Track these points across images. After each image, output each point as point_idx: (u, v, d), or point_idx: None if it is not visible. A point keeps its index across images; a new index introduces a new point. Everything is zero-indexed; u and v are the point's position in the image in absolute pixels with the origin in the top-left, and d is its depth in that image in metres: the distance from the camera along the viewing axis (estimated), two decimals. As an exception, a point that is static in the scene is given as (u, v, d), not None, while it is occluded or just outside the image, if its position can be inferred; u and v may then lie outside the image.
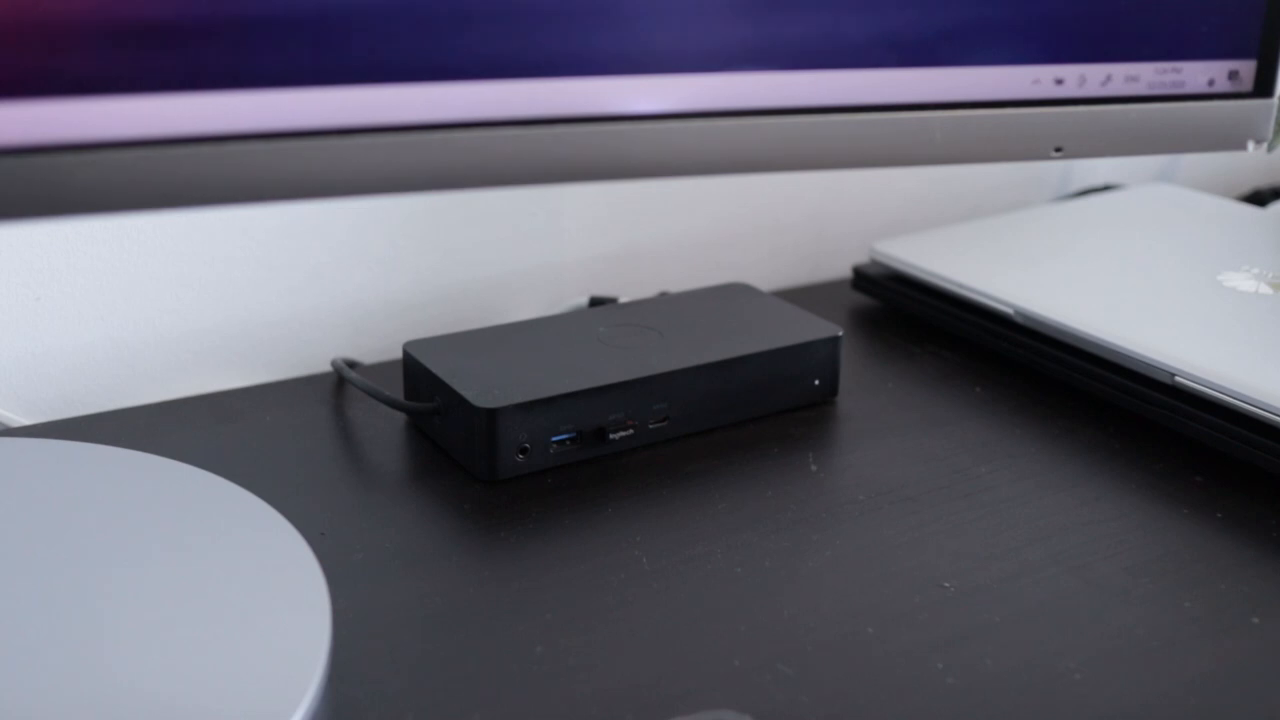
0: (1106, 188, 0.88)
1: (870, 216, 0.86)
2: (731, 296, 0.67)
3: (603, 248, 0.78)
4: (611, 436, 0.58)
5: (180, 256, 0.66)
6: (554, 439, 0.56)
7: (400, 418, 0.61)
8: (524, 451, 0.56)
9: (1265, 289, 0.67)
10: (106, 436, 0.56)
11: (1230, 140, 0.51)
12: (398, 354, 0.61)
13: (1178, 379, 0.59)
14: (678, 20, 0.42)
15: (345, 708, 0.43)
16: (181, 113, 0.37)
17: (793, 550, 0.52)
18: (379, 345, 0.70)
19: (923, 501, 0.53)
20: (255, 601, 0.46)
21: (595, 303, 0.72)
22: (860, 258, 0.77)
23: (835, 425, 0.62)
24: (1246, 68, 0.50)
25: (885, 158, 0.48)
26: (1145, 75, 0.49)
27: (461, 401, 0.56)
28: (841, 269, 0.82)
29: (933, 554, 0.52)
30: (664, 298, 0.68)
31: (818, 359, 0.63)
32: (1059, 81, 0.48)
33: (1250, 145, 0.51)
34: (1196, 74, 0.50)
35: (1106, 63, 0.49)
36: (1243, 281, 0.68)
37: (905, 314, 0.73)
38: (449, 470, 0.57)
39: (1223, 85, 0.50)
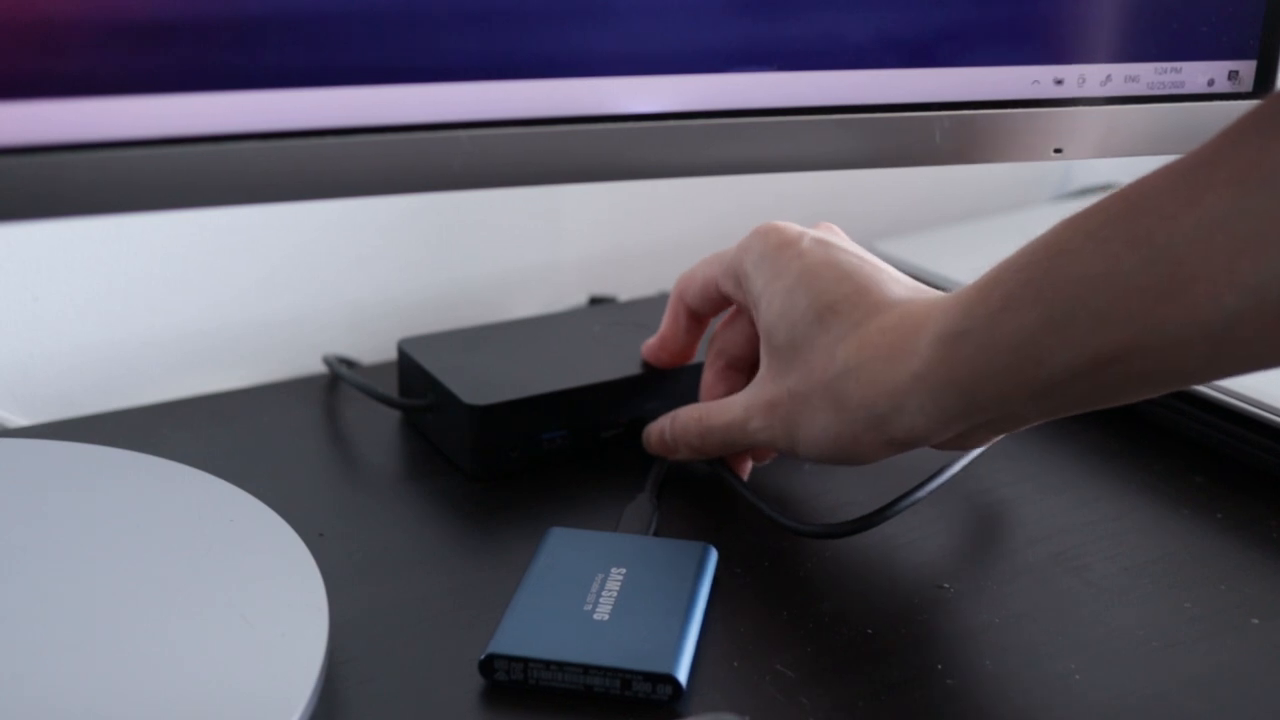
0: (1106, 188, 0.88)
1: (870, 216, 0.85)
2: (731, 296, 0.67)
3: (602, 247, 0.78)
4: (603, 435, 0.58)
5: (178, 257, 0.66)
6: (545, 436, 0.56)
7: (396, 415, 0.61)
8: (515, 449, 0.56)
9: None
10: (104, 437, 0.55)
11: (1230, 140, 0.51)
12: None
13: (1177, 379, 0.59)
14: (678, 20, 0.42)
15: (344, 708, 0.43)
16: (181, 113, 0.36)
17: (790, 551, 0.52)
18: (379, 345, 0.70)
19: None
20: (253, 602, 0.46)
21: (594, 302, 0.72)
22: (859, 258, 0.77)
23: (835, 425, 0.62)
24: (1246, 68, 0.50)
25: (885, 158, 0.48)
26: (1145, 75, 0.49)
27: (453, 398, 0.56)
28: (841, 269, 0.82)
29: (933, 554, 0.52)
30: (662, 297, 0.68)
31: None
32: (1059, 81, 0.48)
33: (1250, 145, 0.51)
34: (1196, 74, 0.50)
35: (1106, 63, 0.49)
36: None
37: (904, 314, 0.73)
38: (445, 468, 0.57)
39: (1223, 85, 0.50)
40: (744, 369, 0.55)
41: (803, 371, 0.49)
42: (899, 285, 0.50)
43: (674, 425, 0.55)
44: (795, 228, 0.52)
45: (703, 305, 0.56)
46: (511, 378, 0.57)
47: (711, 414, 0.53)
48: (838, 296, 0.49)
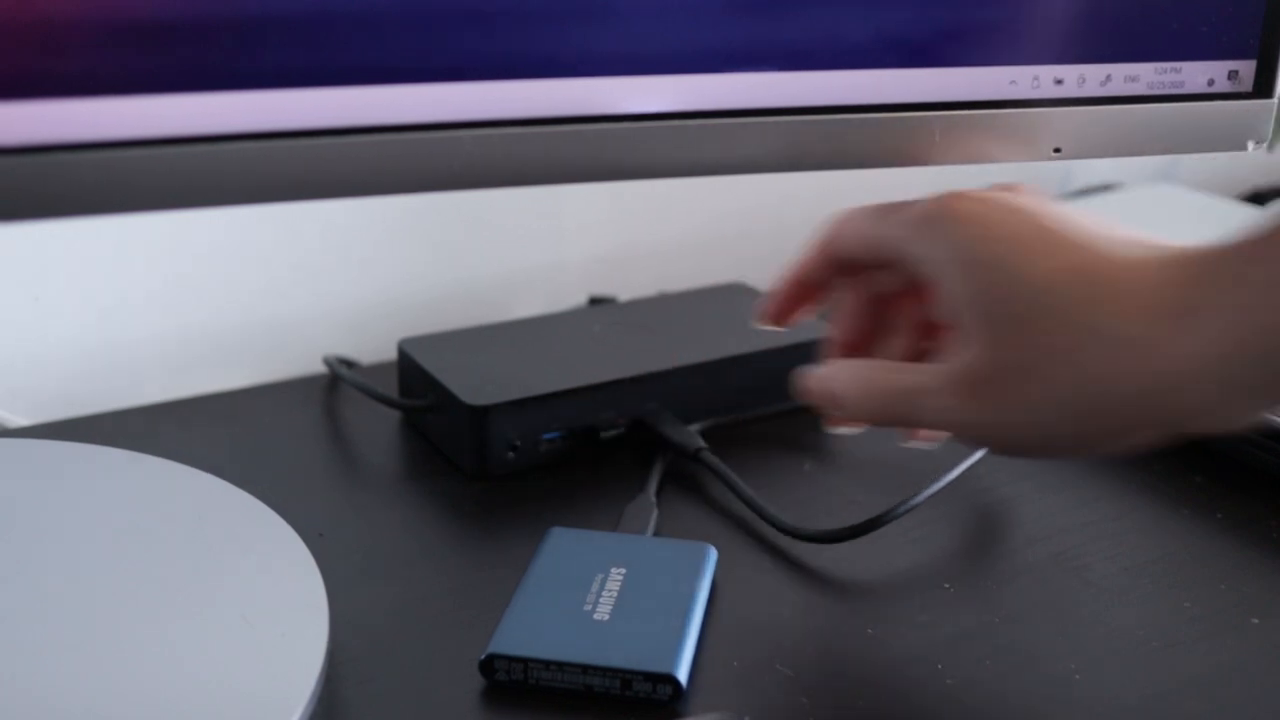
0: (1106, 188, 0.88)
1: (869, 216, 0.85)
2: (729, 296, 0.67)
3: (603, 248, 0.78)
4: (603, 435, 0.58)
5: (178, 257, 0.66)
6: (545, 436, 0.56)
7: (396, 415, 0.61)
8: (514, 449, 0.56)
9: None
10: (105, 437, 0.55)
11: (1230, 140, 0.51)
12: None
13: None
14: (678, 20, 0.42)
15: (343, 708, 0.43)
16: (181, 113, 0.36)
17: (791, 551, 0.52)
18: (379, 345, 0.70)
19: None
20: (253, 602, 0.46)
21: (594, 302, 0.72)
22: (859, 258, 0.77)
23: (835, 425, 0.62)
24: (1246, 68, 0.50)
25: (885, 158, 0.47)
26: (1145, 75, 0.49)
27: (452, 398, 0.56)
28: (841, 269, 0.82)
29: (933, 554, 0.52)
30: (662, 297, 0.68)
31: (815, 360, 0.62)
32: (1059, 81, 0.48)
33: (1250, 145, 0.51)
34: (1196, 74, 0.50)
35: (1106, 63, 0.49)
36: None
37: (904, 314, 0.73)
38: (445, 468, 0.57)
39: (1222, 85, 0.50)
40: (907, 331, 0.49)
41: (1030, 342, 0.41)
42: (1139, 245, 0.42)
43: (851, 380, 0.46)
44: (988, 194, 0.44)
45: (864, 255, 0.47)
46: (511, 378, 0.57)
47: (902, 379, 0.44)
48: (1067, 263, 0.41)
